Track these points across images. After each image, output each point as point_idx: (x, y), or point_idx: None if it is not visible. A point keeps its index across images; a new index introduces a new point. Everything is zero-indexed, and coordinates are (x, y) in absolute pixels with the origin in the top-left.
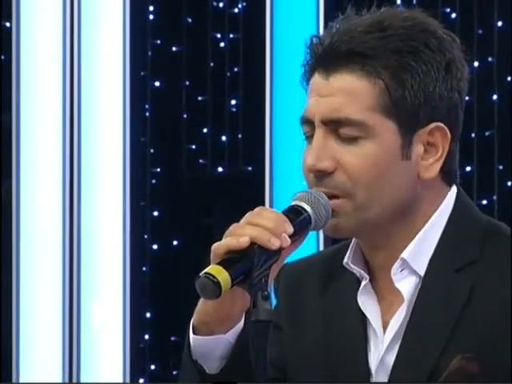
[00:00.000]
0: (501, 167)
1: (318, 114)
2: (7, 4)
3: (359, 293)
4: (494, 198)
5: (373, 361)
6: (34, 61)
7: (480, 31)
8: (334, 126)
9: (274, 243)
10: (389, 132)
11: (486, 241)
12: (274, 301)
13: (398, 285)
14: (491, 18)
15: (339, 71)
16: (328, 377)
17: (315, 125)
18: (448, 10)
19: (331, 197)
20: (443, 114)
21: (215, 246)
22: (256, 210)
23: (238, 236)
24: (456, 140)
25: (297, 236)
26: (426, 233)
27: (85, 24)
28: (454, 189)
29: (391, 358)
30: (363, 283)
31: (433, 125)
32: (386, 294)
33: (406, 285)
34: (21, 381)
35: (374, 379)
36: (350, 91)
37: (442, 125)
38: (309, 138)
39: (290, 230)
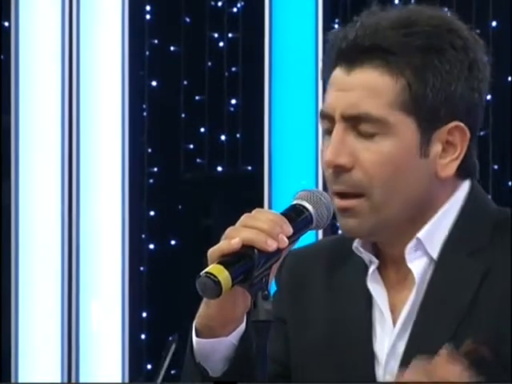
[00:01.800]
0: (496, 167)
1: (338, 108)
2: (6, 4)
3: (369, 278)
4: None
5: (380, 347)
6: (33, 61)
7: (476, 31)
8: (353, 121)
9: (271, 245)
10: (408, 129)
11: (496, 228)
12: (274, 288)
13: (410, 264)
14: (486, 18)
15: (362, 66)
16: (332, 362)
17: (335, 120)
18: (445, 9)
19: (349, 196)
20: (463, 113)
21: (210, 250)
22: (252, 212)
23: (231, 239)
24: (475, 138)
25: (297, 235)
26: (440, 217)
27: (83, 24)
28: (468, 181)
29: (402, 343)
30: (372, 268)
31: (453, 124)
32: (395, 281)
33: (418, 265)
34: (20, 381)
35: (383, 366)
36: (371, 87)
37: (461, 124)
38: (328, 133)
39: (289, 230)
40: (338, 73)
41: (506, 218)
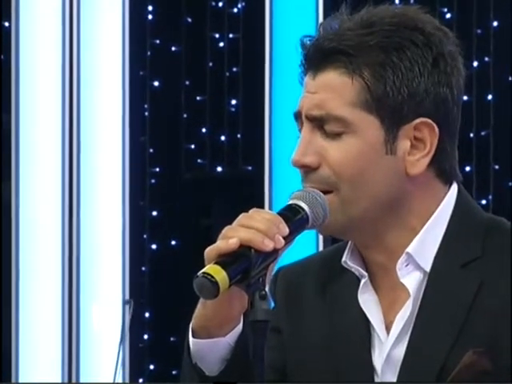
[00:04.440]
0: (497, 167)
1: (303, 110)
2: (6, 4)
3: (359, 291)
4: (490, 197)
5: (377, 359)
6: (33, 60)
7: (477, 31)
8: (318, 122)
9: (268, 245)
10: (371, 127)
11: (487, 236)
12: (272, 304)
13: (403, 280)
14: (488, 18)
15: (324, 69)
16: (331, 377)
17: (303, 121)
18: (445, 9)
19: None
20: (430, 109)
21: (207, 250)
22: (250, 211)
23: (228, 239)
24: (450, 136)
25: (294, 235)
26: (428, 229)
27: (84, 24)
28: (455, 186)
29: (399, 355)
30: (362, 281)
31: (418, 120)
32: (387, 292)
33: (411, 280)
34: (20, 381)
35: (380, 377)
36: (331, 88)
37: (428, 120)
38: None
39: (285, 230)
40: (307, 78)
41: (495, 225)
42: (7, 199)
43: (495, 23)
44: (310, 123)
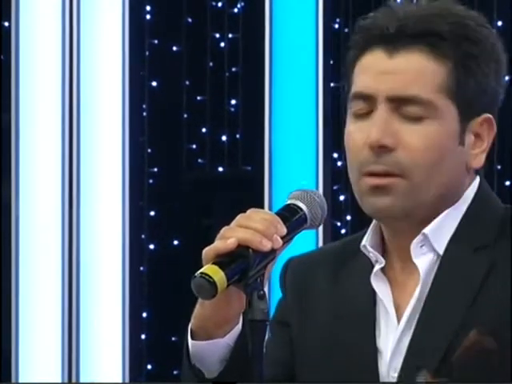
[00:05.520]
0: (499, 167)
1: (382, 90)
2: (6, 4)
3: (372, 275)
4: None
5: (383, 341)
6: (33, 60)
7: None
8: (398, 103)
9: (266, 245)
10: (451, 115)
11: (502, 225)
12: (280, 295)
13: (415, 260)
14: (490, 18)
15: (407, 50)
16: (336, 359)
17: (377, 101)
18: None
19: (386, 175)
20: (493, 106)
21: (205, 250)
22: (247, 212)
23: (226, 239)
24: None
25: (292, 235)
26: (448, 213)
27: (84, 24)
28: (478, 177)
29: (407, 339)
30: (377, 267)
31: (484, 116)
32: (400, 278)
33: (424, 261)
34: (20, 381)
35: (387, 360)
36: (418, 70)
37: (491, 117)
38: (361, 115)
39: (283, 230)
40: (377, 56)
41: (511, 216)
42: (7, 199)
43: (499, 23)
44: (388, 104)
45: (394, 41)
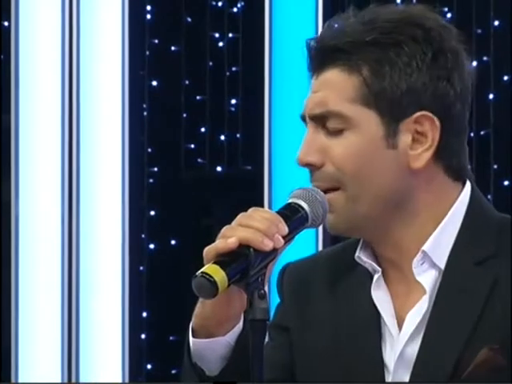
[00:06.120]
0: (496, 166)
1: (307, 110)
2: (6, 4)
3: (373, 286)
4: (489, 197)
5: (389, 355)
6: (33, 60)
7: (477, 30)
8: (321, 120)
9: (267, 244)
10: (370, 122)
11: (500, 235)
12: (277, 301)
13: (419, 278)
14: (488, 17)
15: (326, 68)
16: (341, 374)
17: (307, 121)
18: (445, 9)
19: (325, 191)
20: (430, 103)
21: (206, 249)
22: (249, 211)
23: (227, 238)
24: (455, 132)
25: (293, 234)
26: (443, 228)
27: (83, 23)
28: (469, 185)
29: (412, 352)
30: (376, 277)
31: (418, 113)
32: (399, 288)
33: (427, 278)
34: (20, 381)
35: (392, 374)
36: (331, 85)
37: (428, 113)
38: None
39: (284, 230)
40: (312, 79)
41: (508, 224)
42: (7, 198)
43: (496, 22)
44: (312, 122)
45: (318, 60)
